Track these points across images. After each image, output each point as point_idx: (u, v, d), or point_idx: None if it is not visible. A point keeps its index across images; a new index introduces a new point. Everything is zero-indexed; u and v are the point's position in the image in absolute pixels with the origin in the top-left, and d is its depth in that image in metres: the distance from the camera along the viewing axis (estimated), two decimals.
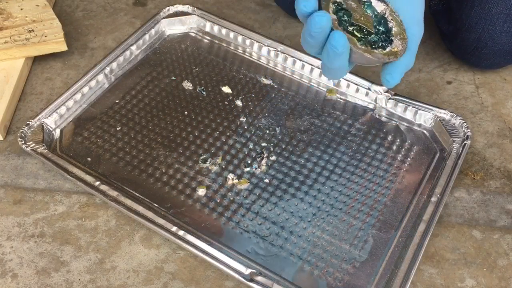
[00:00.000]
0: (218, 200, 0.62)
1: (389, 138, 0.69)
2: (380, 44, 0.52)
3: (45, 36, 0.77)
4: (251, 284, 0.54)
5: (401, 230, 0.59)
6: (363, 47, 0.50)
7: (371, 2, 0.53)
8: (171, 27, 0.83)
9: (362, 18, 0.52)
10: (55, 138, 0.68)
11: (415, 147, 0.68)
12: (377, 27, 0.52)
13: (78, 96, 0.71)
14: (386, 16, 0.54)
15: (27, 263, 0.58)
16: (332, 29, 0.49)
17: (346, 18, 0.51)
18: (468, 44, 0.74)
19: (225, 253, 0.56)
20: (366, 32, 0.51)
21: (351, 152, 0.67)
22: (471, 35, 0.72)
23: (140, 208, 0.60)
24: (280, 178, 0.64)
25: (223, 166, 0.65)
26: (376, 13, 0.53)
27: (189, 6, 0.83)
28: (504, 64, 0.77)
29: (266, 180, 0.64)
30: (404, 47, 0.53)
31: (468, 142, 0.66)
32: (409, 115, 0.70)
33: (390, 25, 0.53)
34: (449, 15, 0.76)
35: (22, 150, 0.66)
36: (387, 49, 0.52)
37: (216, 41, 0.82)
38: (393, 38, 0.53)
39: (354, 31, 0.51)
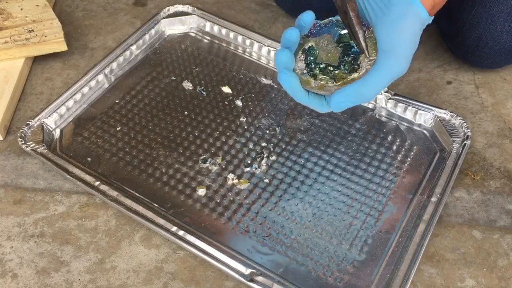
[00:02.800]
0: (218, 200, 0.62)
1: (389, 138, 0.69)
2: (342, 75, 0.55)
3: (45, 36, 0.77)
4: (251, 284, 0.54)
5: (401, 230, 0.59)
6: (322, 82, 0.55)
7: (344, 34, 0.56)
8: (171, 27, 0.83)
9: (328, 55, 0.55)
10: (55, 138, 0.68)
11: (415, 147, 0.68)
12: (345, 60, 0.55)
13: (78, 96, 0.71)
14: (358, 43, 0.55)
15: (27, 263, 0.58)
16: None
17: (311, 63, 0.56)
18: (469, 43, 0.74)
19: (225, 253, 0.56)
20: (335, 69, 0.55)
21: (351, 152, 0.67)
22: (472, 34, 0.72)
23: (140, 208, 0.60)
24: (280, 178, 0.64)
25: (223, 166, 0.65)
26: (352, 44, 0.55)
27: (189, 6, 0.83)
28: (504, 64, 0.77)
29: (266, 180, 0.64)
30: (364, 74, 0.54)
31: (468, 142, 0.66)
32: (409, 115, 0.70)
33: (356, 53, 0.55)
34: (450, 14, 0.76)
35: (22, 150, 0.66)
36: (350, 76, 0.54)
37: (216, 41, 0.82)
38: (360, 63, 0.54)
39: (317, 70, 0.55)
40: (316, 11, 0.89)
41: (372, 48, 0.54)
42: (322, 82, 0.55)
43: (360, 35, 0.54)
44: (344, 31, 0.56)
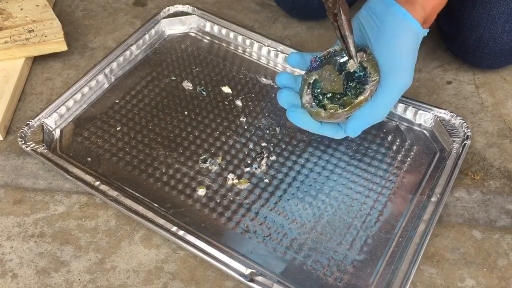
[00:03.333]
0: (218, 200, 0.62)
1: (389, 138, 0.69)
2: (350, 100, 0.58)
3: (45, 36, 0.77)
4: (251, 284, 0.54)
5: (401, 230, 0.59)
6: (331, 111, 0.58)
7: (347, 60, 0.59)
8: (171, 27, 0.83)
9: (333, 83, 0.58)
10: (55, 138, 0.68)
11: (415, 147, 0.68)
12: (350, 86, 0.58)
13: (78, 96, 0.71)
14: (363, 66, 0.57)
15: (27, 263, 0.58)
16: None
17: (318, 95, 0.59)
18: (469, 44, 0.74)
19: (225, 253, 0.56)
20: (342, 96, 0.58)
21: (351, 152, 0.67)
22: (473, 35, 0.72)
23: (140, 208, 0.60)
24: (280, 178, 0.64)
25: (223, 166, 0.65)
26: (354, 70, 0.58)
27: (189, 6, 0.83)
28: (505, 64, 0.77)
29: (266, 180, 0.64)
30: (371, 95, 0.56)
31: (468, 142, 0.66)
32: (409, 115, 0.70)
33: (363, 76, 0.57)
34: (450, 14, 0.76)
35: (22, 150, 0.66)
36: (357, 100, 0.57)
37: (216, 41, 0.82)
38: (365, 88, 0.57)
39: (326, 100, 0.59)
40: (316, 11, 0.89)
41: (372, 69, 0.56)
42: (331, 111, 0.58)
43: (350, 40, 0.54)
44: (344, 59, 0.58)
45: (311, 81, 0.59)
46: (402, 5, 0.56)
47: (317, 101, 0.59)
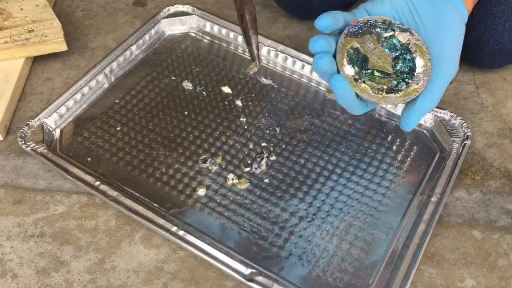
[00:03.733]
0: (218, 200, 0.62)
1: (389, 138, 0.69)
2: (399, 87, 0.51)
3: (45, 36, 0.77)
4: (251, 284, 0.54)
5: (401, 230, 0.59)
6: (380, 93, 0.50)
7: (394, 35, 0.52)
8: (171, 27, 0.83)
9: (380, 60, 0.51)
10: (55, 138, 0.68)
11: (415, 147, 0.68)
12: (396, 67, 0.51)
13: (78, 96, 0.71)
14: (409, 48, 0.52)
15: (27, 263, 0.58)
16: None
17: (362, 71, 0.51)
18: (469, 43, 0.74)
19: (225, 253, 0.56)
20: (384, 76, 0.51)
21: (351, 152, 0.67)
22: (473, 34, 0.72)
23: (140, 208, 0.60)
24: (280, 178, 0.64)
25: (223, 166, 0.65)
26: (398, 49, 0.52)
27: (189, 6, 0.83)
28: (505, 63, 0.77)
29: (266, 180, 0.64)
30: (424, 84, 0.51)
31: (468, 142, 0.66)
32: None
33: (410, 60, 0.52)
34: None
35: (22, 150, 0.66)
36: (408, 88, 0.51)
37: (216, 41, 0.82)
38: (415, 74, 0.51)
39: (372, 80, 0.51)
40: (316, 11, 0.89)
41: (422, 55, 0.52)
42: (382, 94, 0.51)
43: (253, 41, 0.51)
44: (388, 34, 0.52)
45: (352, 50, 0.51)
46: None
47: (363, 74, 0.51)
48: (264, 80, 0.76)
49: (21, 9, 0.81)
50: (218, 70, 0.77)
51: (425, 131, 0.69)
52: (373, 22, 0.53)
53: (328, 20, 0.51)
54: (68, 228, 0.61)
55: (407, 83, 0.52)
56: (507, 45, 0.71)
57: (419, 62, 0.52)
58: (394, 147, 0.68)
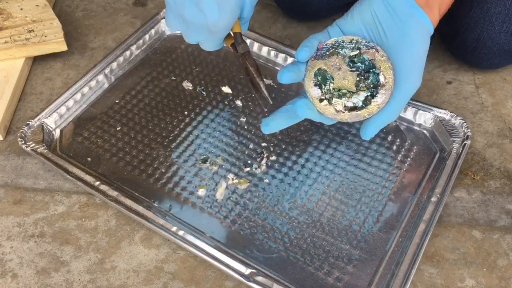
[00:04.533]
0: (218, 200, 0.62)
1: (389, 138, 0.69)
2: (364, 103, 0.53)
3: (45, 36, 0.77)
4: (251, 284, 0.54)
5: (401, 230, 0.59)
6: (342, 112, 0.53)
7: (360, 54, 0.54)
8: None
9: (345, 80, 0.53)
10: (55, 138, 0.68)
11: (415, 147, 0.68)
12: (359, 85, 0.53)
13: (78, 96, 0.71)
14: (374, 65, 0.53)
15: (27, 263, 0.58)
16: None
17: (328, 90, 0.53)
18: (467, 44, 0.74)
19: (225, 253, 0.56)
20: (352, 93, 0.53)
21: (351, 152, 0.67)
22: (470, 35, 0.72)
23: (140, 208, 0.60)
24: (280, 178, 0.64)
25: (223, 166, 0.65)
26: (362, 67, 0.53)
27: None
28: (503, 64, 0.77)
29: (266, 180, 0.64)
30: (386, 100, 0.53)
31: (468, 142, 0.66)
32: (409, 115, 0.70)
33: (374, 76, 0.53)
34: (448, 15, 0.76)
35: (22, 150, 0.66)
36: (370, 104, 0.53)
37: None
38: (378, 90, 0.53)
39: (341, 97, 0.53)
40: (315, 12, 0.89)
41: (386, 71, 0.53)
42: (345, 112, 0.53)
43: (262, 86, 0.55)
44: (354, 52, 0.54)
45: (319, 72, 0.54)
46: (422, 7, 0.55)
47: (327, 96, 0.54)
48: (264, 80, 0.76)
49: (21, 9, 0.81)
50: (218, 70, 0.77)
51: (425, 131, 0.69)
52: (341, 42, 0.54)
53: (307, 52, 0.53)
54: (68, 228, 0.61)
55: (369, 99, 0.53)
56: (505, 46, 0.71)
57: (382, 78, 0.53)
58: (394, 147, 0.68)
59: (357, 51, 0.54)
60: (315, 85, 0.54)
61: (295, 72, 0.54)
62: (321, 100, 0.54)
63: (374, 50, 0.54)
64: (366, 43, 0.54)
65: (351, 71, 0.54)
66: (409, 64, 0.54)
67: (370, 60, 0.54)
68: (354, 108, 0.53)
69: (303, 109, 0.54)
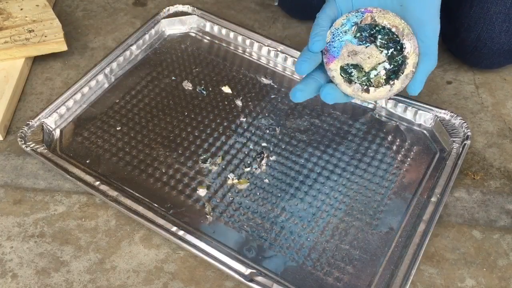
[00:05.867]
0: (218, 200, 0.62)
1: (389, 138, 0.69)
2: (398, 64, 0.54)
3: (45, 36, 0.77)
4: (251, 284, 0.54)
5: (401, 230, 0.59)
6: (384, 86, 0.53)
7: (359, 26, 0.54)
8: (171, 27, 0.83)
9: (370, 58, 0.53)
10: (55, 138, 0.68)
11: (415, 147, 0.68)
12: (383, 48, 0.53)
13: (78, 96, 0.71)
14: (377, 26, 0.54)
15: (27, 263, 0.58)
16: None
17: (350, 74, 0.54)
18: (467, 44, 0.74)
19: (225, 253, 0.56)
20: (379, 69, 0.54)
21: (351, 152, 0.67)
22: (471, 35, 0.72)
23: (140, 208, 0.60)
24: (280, 178, 0.64)
25: (223, 166, 0.65)
26: (369, 34, 0.54)
27: (189, 6, 0.83)
28: (504, 64, 0.77)
29: (266, 180, 0.64)
30: (415, 45, 0.53)
31: (468, 142, 0.66)
32: (409, 115, 0.70)
33: (384, 34, 0.54)
34: (448, 14, 0.76)
35: (22, 150, 0.66)
36: (402, 75, 0.53)
37: (216, 41, 0.82)
38: (404, 53, 0.53)
39: (370, 85, 0.54)
40: (316, 11, 0.89)
41: (393, 19, 0.53)
42: (384, 88, 0.54)
43: None
44: (353, 30, 0.54)
45: (340, 71, 0.54)
46: None
47: (363, 87, 0.54)
48: (264, 80, 0.76)
49: (21, 9, 0.81)
50: (218, 70, 0.77)
51: (425, 131, 0.69)
52: (338, 30, 0.54)
53: (320, 42, 0.53)
54: (68, 228, 0.61)
55: (400, 57, 0.53)
56: (505, 46, 0.71)
57: (395, 29, 0.53)
58: (394, 147, 0.68)
59: (355, 26, 0.53)
60: (347, 81, 0.53)
61: (308, 89, 0.54)
62: (362, 91, 0.53)
63: (368, 13, 0.53)
64: (356, 13, 0.54)
65: (366, 46, 0.53)
66: (428, 8, 0.55)
67: (371, 24, 0.53)
68: (393, 74, 0.53)
69: (331, 97, 0.54)
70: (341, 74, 0.54)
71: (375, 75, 0.53)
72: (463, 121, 0.67)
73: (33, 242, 0.59)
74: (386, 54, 0.53)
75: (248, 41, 0.80)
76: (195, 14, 0.83)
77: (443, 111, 0.69)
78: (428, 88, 0.77)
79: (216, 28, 0.82)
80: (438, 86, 0.77)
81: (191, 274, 0.57)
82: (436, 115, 0.69)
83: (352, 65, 0.53)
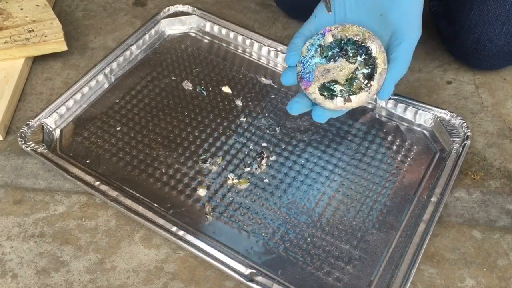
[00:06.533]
0: (218, 200, 0.62)
1: (389, 138, 0.69)
2: (371, 68, 0.55)
3: (45, 36, 0.77)
4: (251, 284, 0.54)
5: (401, 230, 0.59)
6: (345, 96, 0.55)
7: (323, 46, 0.56)
8: (171, 27, 0.83)
9: (341, 71, 0.55)
10: (55, 138, 0.68)
11: (415, 147, 0.68)
12: (353, 58, 0.56)
13: (78, 96, 0.71)
14: (341, 42, 0.56)
15: (27, 263, 0.58)
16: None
17: (330, 90, 0.56)
18: (467, 46, 0.74)
19: (225, 253, 0.56)
20: (356, 75, 0.55)
21: (351, 152, 0.67)
22: (470, 37, 0.72)
23: (140, 208, 0.60)
24: (280, 178, 0.64)
25: (223, 166, 0.65)
26: (335, 50, 0.56)
27: (189, 6, 0.83)
28: (503, 66, 0.77)
29: (266, 180, 0.64)
30: (384, 67, 0.55)
31: (468, 142, 0.66)
32: (409, 115, 0.70)
33: (352, 46, 0.56)
34: (448, 16, 0.76)
35: (22, 150, 0.66)
36: (377, 74, 0.55)
37: (216, 41, 0.82)
38: (366, 44, 0.55)
39: (337, 93, 0.56)
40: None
41: (350, 30, 0.55)
42: (355, 97, 0.56)
43: None
44: (318, 53, 0.56)
45: (318, 91, 0.56)
46: None
47: (345, 97, 0.56)
48: (264, 80, 0.76)
49: (21, 9, 0.81)
50: (218, 70, 0.77)
51: (425, 131, 0.69)
52: (304, 57, 0.56)
53: (295, 56, 0.56)
54: (68, 228, 0.61)
55: (369, 57, 0.55)
56: (505, 48, 0.71)
57: (358, 38, 0.55)
58: (394, 147, 0.68)
59: (319, 48, 0.56)
60: (328, 98, 0.55)
61: (303, 104, 0.57)
62: (344, 102, 0.55)
63: (327, 32, 0.56)
64: (317, 36, 0.56)
65: (334, 61, 0.56)
66: (409, 14, 0.56)
67: (336, 40, 0.56)
68: (371, 77, 0.55)
69: (321, 118, 0.57)
70: (321, 94, 0.55)
71: (355, 83, 0.55)
72: (463, 121, 0.67)
73: (33, 242, 0.59)
74: (360, 61, 0.55)
75: (248, 41, 0.80)
76: (195, 14, 0.83)
77: (443, 111, 0.69)
78: (428, 88, 0.77)
79: (216, 28, 0.82)
80: (438, 86, 0.77)
81: (191, 274, 0.57)
82: (436, 115, 0.69)
83: (330, 81, 0.56)
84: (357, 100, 0.55)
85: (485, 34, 0.71)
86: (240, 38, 0.80)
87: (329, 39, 0.56)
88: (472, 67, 0.78)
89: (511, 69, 0.80)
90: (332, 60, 0.56)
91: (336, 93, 0.55)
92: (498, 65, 0.76)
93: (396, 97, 0.71)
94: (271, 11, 0.90)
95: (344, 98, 0.55)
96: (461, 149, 0.65)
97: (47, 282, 0.56)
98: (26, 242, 0.59)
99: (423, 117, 0.70)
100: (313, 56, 0.56)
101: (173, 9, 0.83)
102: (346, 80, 0.55)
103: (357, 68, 0.55)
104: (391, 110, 0.71)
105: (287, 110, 0.58)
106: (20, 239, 0.60)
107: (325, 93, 0.55)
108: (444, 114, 0.69)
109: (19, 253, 0.59)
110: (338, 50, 0.56)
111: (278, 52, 0.78)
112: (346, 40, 0.55)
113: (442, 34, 0.80)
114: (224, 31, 0.81)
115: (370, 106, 0.72)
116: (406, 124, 0.70)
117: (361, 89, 0.55)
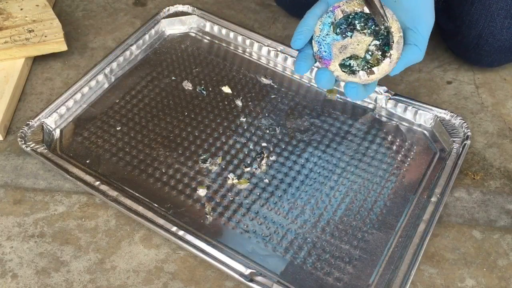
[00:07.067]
0: (218, 200, 0.62)
1: (389, 138, 0.69)
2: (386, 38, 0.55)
3: (45, 36, 0.77)
4: (251, 284, 0.54)
5: (401, 230, 0.59)
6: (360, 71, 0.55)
7: (334, 22, 0.56)
8: (171, 27, 0.83)
9: (359, 45, 0.55)
10: (55, 138, 0.68)
11: (415, 147, 0.68)
12: (369, 28, 0.55)
13: (78, 96, 0.71)
14: (350, 16, 0.56)
15: (27, 263, 0.58)
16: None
17: (349, 66, 0.55)
18: (468, 41, 0.74)
19: (225, 253, 0.56)
20: (372, 47, 0.55)
21: (351, 152, 0.67)
22: (472, 32, 0.72)
23: (140, 208, 0.60)
24: (280, 178, 0.64)
25: (223, 166, 0.65)
26: (346, 24, 0.56)
27: (189, 6, 0.83)
28: (505, 61, 0.77)
29: (266, 180, 0.64)
30: (400, 35, 0.54)
31: (468, 142, 0.66)
32: (409, 115, 0.70)
33: (358, 18, 0.55)
34: (449, 12, 0.76)
35: (22, 150, 0.66)
36: (394, 43, 0.54)
37: (216, 41, 0.82)
38: (391, 45, 0.55)
39: (355, 66, 0.55)
40: None
41: (359, 4, 0.55)
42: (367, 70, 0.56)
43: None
44: (332, 29, 0.56)
45: (340, 67, 0.56)
46: None
47: (367, 71, 0.56)
48: (264, 80, 0.76)
49: (21, 9, 0.81)
50: (218, 70, 0.77)
51: (425, 131, 0.69)
52: (316, 35, 0.56)
53: (301, 40, 0.56)
54: (68, 228, 0.61)
55: (385, 29, 0.55)
56: (507, 43, 0.71)
57: (368, 8, 0.55)
58: (394, 147, 0.68)
59: (331, 25, 0.56)
60: (351, 73, 0.55)
61: (308, 57, 0.56)
62: (368, 75, 0.55)
63: (337, 9, 0.55)
64: (327, 14, 0.56)
65: (350, 36, 0.55)
66: (421, 4, 0.55)
67: (344, 16, 0.55)
68: (384, 47, 0.54)
69: (354, 91, 0.56)
70: (342, 71, 0.55)
71: (371, 55, 0.55)
72: (463, 121, 0.67)
73: (33, 242, 0.59)
74: (371, 33, 0.55)
75: (248, 41, 0.80)
76: (195, 14, 0.83)
77: (443, 111, 0.69)
78: (428, 88, 0.77)
79: (216, 28, 0.82)
80: (438, 86, 0.77)
81: (191, 274, 0.57)
82: (436, 115, 0.69)
83: (348, 57, 0.55)
84: (380, 71, 0.55)
85: (487, 28, 0.71)
86: (240, 38, 0.80)
87: (339, 15, 0.55)
88: (473, 63, 0.78)
89: (511, 69, 0.80)
90: (345, 35, 0.55)
91: (355, 69, 0.55)
92: (499, 61, 0.76)
93: (396, 97, 0.71)
94: (271, 11, 0.90)
95: (366, 71, 0.55)
96: (461, 149, 0.65)
97: (47, 282, 0.56)
98: (26, 242, 0.59)
99: (423, 117, 0.70)
100: (327, 35, 0.55)
101: (173, 9, 0.83)
102: (366, 53, 0.55)
103: (372, 39, 0.55)
104: (391, 110, 0.71)
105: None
106: (20, 239, 0.60)
107: (346, 70, 0.55)
108: (444, 114, 0.69)
109: (19, 253, 0.59)
110: (346, 26, 0.55)
111: (278, 52, 0.77)
112: (353, 14, 0.55)
113: (443, 30, 0.80)
114: (224, 31, 0.81)
115: (370, 106, 0.72)
116: (406, 124, 0.70)
117: (378, 60, 0.55)
